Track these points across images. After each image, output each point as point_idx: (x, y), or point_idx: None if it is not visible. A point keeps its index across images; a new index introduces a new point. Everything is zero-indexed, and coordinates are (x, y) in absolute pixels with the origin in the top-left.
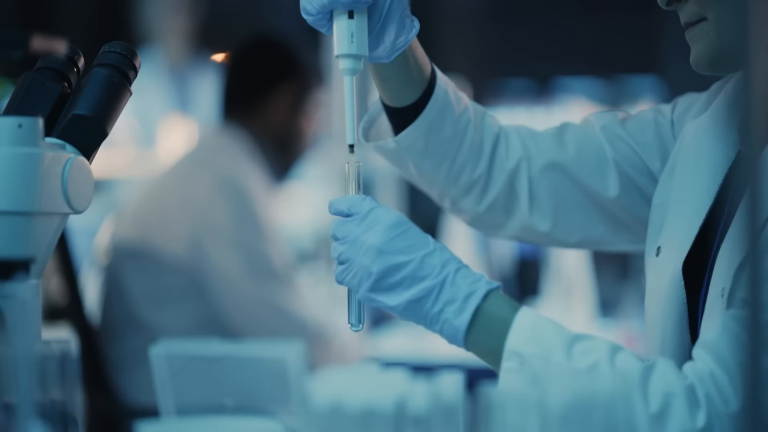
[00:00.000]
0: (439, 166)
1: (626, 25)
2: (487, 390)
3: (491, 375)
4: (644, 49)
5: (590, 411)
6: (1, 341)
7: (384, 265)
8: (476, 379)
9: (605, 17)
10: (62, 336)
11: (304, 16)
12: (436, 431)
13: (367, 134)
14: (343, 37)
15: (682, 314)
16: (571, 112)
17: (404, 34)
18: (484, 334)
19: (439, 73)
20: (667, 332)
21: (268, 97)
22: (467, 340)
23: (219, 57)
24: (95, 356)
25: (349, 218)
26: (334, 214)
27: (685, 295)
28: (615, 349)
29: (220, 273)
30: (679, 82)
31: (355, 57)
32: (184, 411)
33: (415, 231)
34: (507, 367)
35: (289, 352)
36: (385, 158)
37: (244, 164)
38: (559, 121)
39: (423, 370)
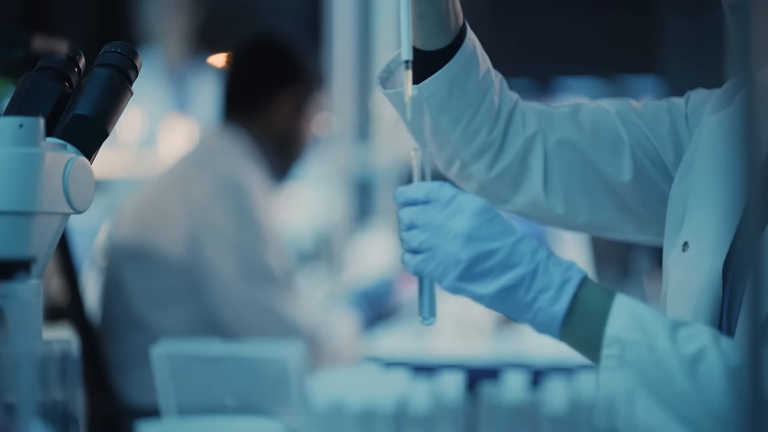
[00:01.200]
0: (457, 122)
1: (626, 25)
2: (488, 390)
3: (492, 375)
4: (644, 49)
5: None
6: (1, 341)
7: (474, 252)
8: (477, 378)
9: (606, 17)
10: (63, 336)
11: None
12: (436, 431)
13: (384, 84)
14: None
15: (716, 312)
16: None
17: None
18: (582, 322)
19: (468, 28)
20: None
21: (270, 99)
22: (563, 329)
23: (220, 58)
24: (96, 356)
25: (428, 204)
26: (404, 203)
27: (721, 294)
28: (717, 335)
29: (215, 274)
30: (679, 82)
31: None
32: (185, 411)
33: (502, 217)
34: (608, 354)
35: (289, 353)
36: (400, 112)
37: (244, 165)
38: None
39: (424, 369)
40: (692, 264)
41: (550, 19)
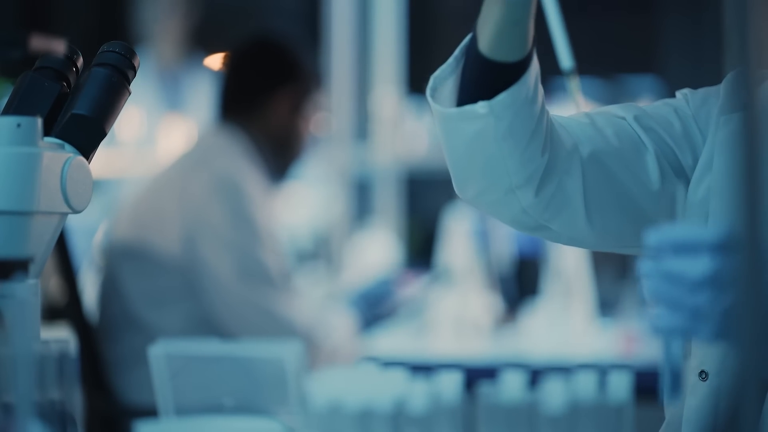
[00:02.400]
0: (518, 145)
1: (625, 24)
2: (486, 390)
3: (490, 375)
4: (643, 48)
5: None
6: None
7: None
8: (475, 378)
9: (604, 17)
10: (61, 336)
11: None
12: (434, 430)
13: (434, 94)
14: None
15: None
16: (570, 111)
17: None
18: None
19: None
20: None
21: (267, 98)
22: None
23: (218, 58)
24: (94, 356)
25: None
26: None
27: None
28: None
29: (211, 273)
30: (678, 81)
31: None
32: (183, 411)
33: None
34: None
35: (287, 352)
36: (447, 134)
37: (242, 165)
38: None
39: (422, 369)
40: None
41: (544, 18)
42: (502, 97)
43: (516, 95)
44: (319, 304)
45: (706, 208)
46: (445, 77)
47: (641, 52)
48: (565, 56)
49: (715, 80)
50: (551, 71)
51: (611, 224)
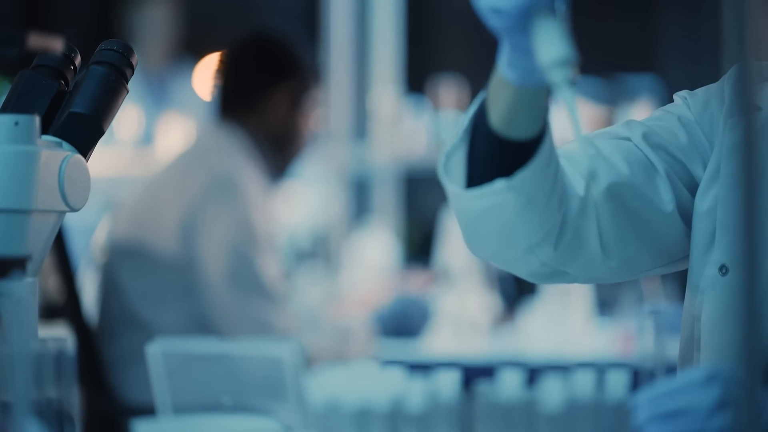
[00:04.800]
0: (535, 211)
1: (624, 24)
2: (484, 388)
3: (488, 373)
4: (642, 47)
5: None
6: None
7: None
8: (474, 377)
9: (603, 16)
10: (59, 334)
11: (488, 20)
12: (432, 429)
13: (446, 171)
14: (558, 38)
15: None
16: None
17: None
18: None
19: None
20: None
21: (266, 95)
22: None
23: (216, 56)
24: (93, 354)
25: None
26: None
27: None
28: None
29: (203, 273)
30: (677, 80)
31: (571, 61)
32: (181, 409)
33: None
34: None
35: (285, 350)
36: (460, 208)
37: (240, 164)
38: (559, 119)
39: (420, 368)
40: (734, 291)
41: None
42: (521, 174)
43: (534, 169)
44: (307, 316)
45: (713, 219)
46: (455, 151)
47: (640, 52)
48: (578, 136)
49: (714, 78)
50: None
51: (629, 255)
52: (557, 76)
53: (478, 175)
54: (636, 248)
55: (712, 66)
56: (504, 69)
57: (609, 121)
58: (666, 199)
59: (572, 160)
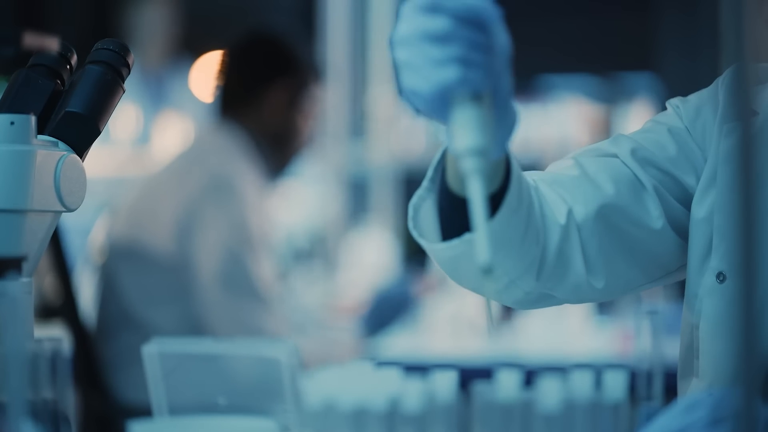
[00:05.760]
0: (510, 252)
1: (622, 21)
2: (481, 389)
3: (486, 374)
4: (640, 46)
5: None
6: None
7: None
8: (471, 378)
9: (601, 14)
10: (55, 334)
11: (409, 101)
12: (429, 430)
13: (414, 224)
14: (471, 127)
15: None
16: (567, 110)
17: (514, 121)
18: None
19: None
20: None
21: (264, 93)
22: None
23: (214, 54)
24: (89, 355)
25: None
26: None
27: None
28: None
29: (197, 273)
30: (675, 78)
31: (485, 152)
32: (177, 410)
33: None
34: None
35: (282, 351)
36: (436, 259)
37: (238, 164)
38: (555, 118)
39: (417, 369)
40: (732, 299)
41: (544, 16)
42: (495, 220)
43: (501, 220)
44: (297, 321)
45: (711, 227)
46: (422, 202)
47: (638, 50)
48: (482, 251)
49: (712, 77)
50: (548, 69)
51: (618, 274)
52: (466, 166)
53: (448, 224)
54: (625, 267)
55: (710, 64)
56: (444, 137)
57: (607, 119)
58: (654, 215)
59: (557, 182)
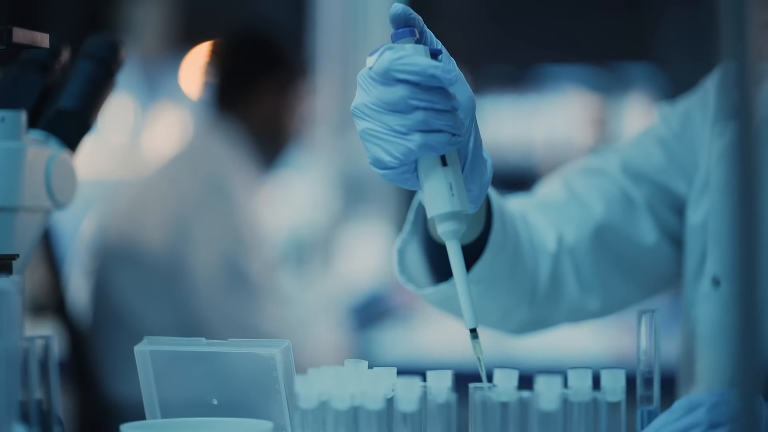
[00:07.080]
0: (498, 293)
1: (620, 12)
2: (476, 390)
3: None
4: (638, 36)
5: None
6: None
7: None
8: (468, 379)
9: (599, 4)
10: (45, 332)
11: (377, 169)
12: (424, 430)
13: (401, 268)
14: (441, 192)
15: None
16: (565, 100)
17: (486, 171)
18: None
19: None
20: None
21: (254, 88)
22: None
23: (204, 50)
24: (82, 354)
25: None
26: None
27: None
28: None
29: (192, 274)
30: (673, 69)
31: (458, 214)
32: (170, 409)
33: None
34: None
35: (277, 350)
36: (427, 300)
37: (232, 164)
38: (553, 108)
39: (413, 369)
40: (727, 304)
41: (543, 7)
42: (472, 272)
43: (485, 263)
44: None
45: (705, 233)
46: (406, 246)
47: (637, 40)
48: (469, 316)
49: (711, 67)
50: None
51: (615, 291)
52: (442, 230)
53: (437, 261)
54: (621, 284)
55: (708, 55)
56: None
57: (604, 110)
58: (647, 230)
59: (547, 206)
